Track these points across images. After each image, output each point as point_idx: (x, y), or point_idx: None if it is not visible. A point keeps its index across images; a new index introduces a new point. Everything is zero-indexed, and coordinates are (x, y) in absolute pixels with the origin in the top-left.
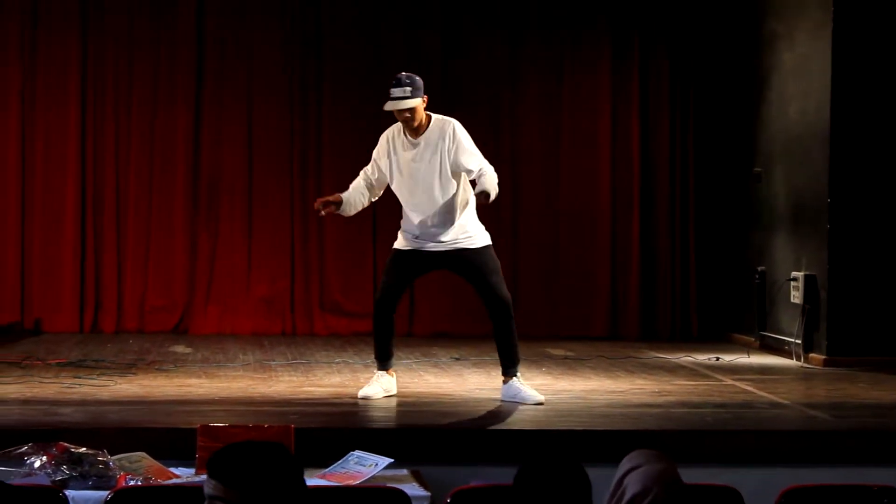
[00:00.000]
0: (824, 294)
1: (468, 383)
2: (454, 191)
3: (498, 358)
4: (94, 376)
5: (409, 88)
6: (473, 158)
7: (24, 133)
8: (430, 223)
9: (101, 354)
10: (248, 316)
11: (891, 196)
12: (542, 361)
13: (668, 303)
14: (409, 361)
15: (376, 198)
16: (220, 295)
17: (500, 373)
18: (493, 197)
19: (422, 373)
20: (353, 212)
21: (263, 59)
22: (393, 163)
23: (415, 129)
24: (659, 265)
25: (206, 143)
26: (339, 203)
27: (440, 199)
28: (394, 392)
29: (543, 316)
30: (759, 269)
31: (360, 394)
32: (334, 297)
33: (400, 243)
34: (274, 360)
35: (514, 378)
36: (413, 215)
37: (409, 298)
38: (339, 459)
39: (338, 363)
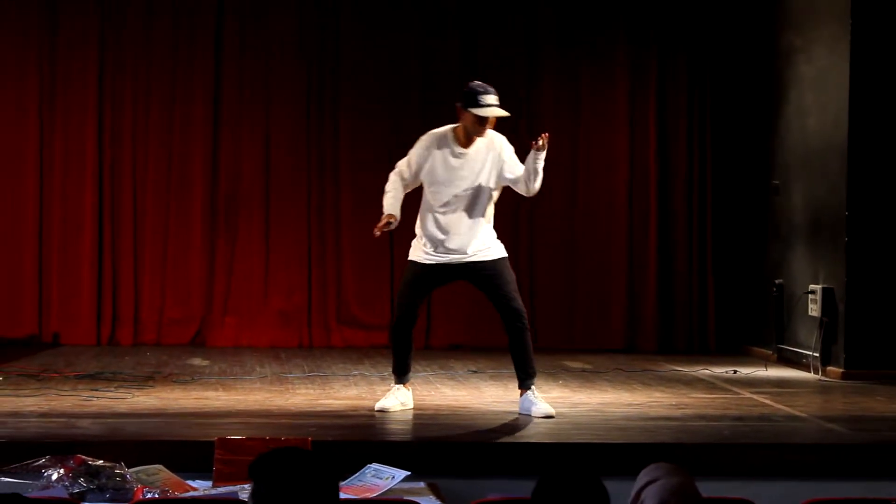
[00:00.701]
0: (842, 307)
1: (485, 396)
2: (486, 204)
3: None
4: (112, 389)
5: (497, 97)
6: (517, 161)
7: (43, 145)
8: (456, 232)
9: (119, 367)
10: (265, 328)
11: None
12: (559, 374)
13: (685, 315)
14: (426, 374)
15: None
16: (238, 307)
17: (517, 385)
18: (537, 183)
19: (438, 385)
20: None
21: (281, 71)
22: (437, 167)
23: (466, 139)
24: (676, 278)
25: (223, 156)
26: (394, 220)
27: (474, 210)
28: (410, 406)
29: (560, 328)
30: (777, 281)
31: (377, 406)
32: (351, 310)
33: (418, 255)
34: (291, 373)
35: (529, 391)
36: (442, 221)
37: (427, 311)
38: (355, 472)
39: (355, 375)
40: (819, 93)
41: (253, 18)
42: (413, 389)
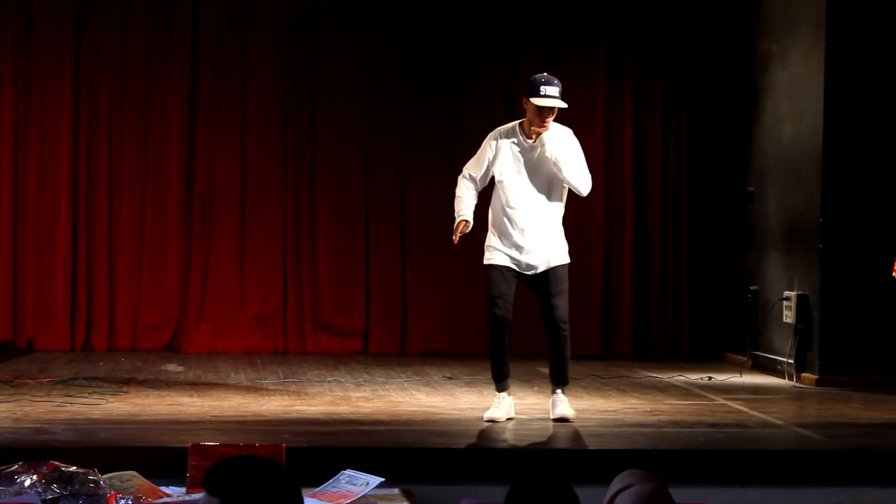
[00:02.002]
0: (817, 314)
1: (460, 402)
2: (559, 201)
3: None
4: (86, 395)
5: (560, 90)
6: (579, 155)
7: (17, 150)
8: (531, 232)
9: (93, 373)
10: (240, 334)
11: (883, 216)
12: (534, 380)
13: (660, 322)
14: (401, 380)
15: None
16: (213, 313)
17: (491, 391)
18: (562, 163)
19: (413, 392)
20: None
21: (257, 75)
22: (507, 162)
23: (530, 134)
24: (652, 284)
25: (199, 161)
26: (468, 225)
27: (547, 208)
28: (512, 415)
29: (536, 334)
30: (752, 288)
31: (486, 416)
32: (327, 316)
33: (499, 259)
34: (266, 379)
35: (554, 394)
36: (515, 219)
37: (402, 317)
38: (330, 479)
39: (329, 382)
40: (794, 99)
41: (230, 24)
42: (430, 396)
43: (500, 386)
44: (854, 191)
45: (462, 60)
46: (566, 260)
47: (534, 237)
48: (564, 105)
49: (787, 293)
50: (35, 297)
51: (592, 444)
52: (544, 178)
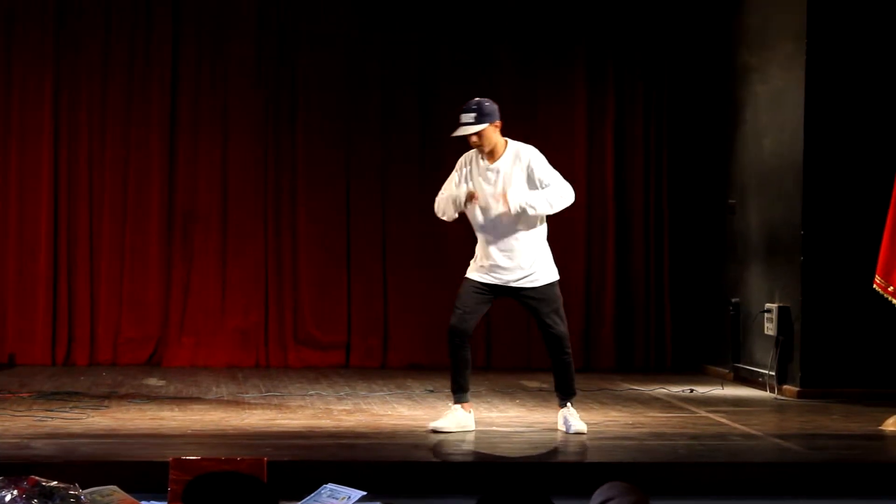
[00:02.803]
0: (798, 326)
1: (442, 416)
2: (529, 221)
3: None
4: (67, 409)
5: (473, 115)
6: (549, 175)
7: None
8: (501, 252)
9: (74, 387)
10: (221, 348)
11: (864, 228)
12: (515, 393)
13: (642, 334)
14: (382, 394)
15: (457, 214)
16: (194, 327)
17: (475, 405)
18: (519, 204)
19: (395, 405)
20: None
21: (238, 91)
22: (477, 187)
23: (490, 154)
24: (633, 297)
25: (180, 175)
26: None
27: (516, 227)
28: (471, 428)
29: (518, 348)
30: (734, 300)
31: (432, 425)
32: (308, 330)
33: (473, 273)
34: (247, 393)
35: (563, 408)
36: (487, 240)
37: (384, 330)
38: (311, 493)
39: (311, 396)
40: (775, 112)
41: (210, 40)
42: (412, 410)
43: (456, 398)
44: (835, 203)
45: (443, 76)
46: (552, 278)
47: (509, 256)
48: (472, 130)
49: (768, 305)
50: (16, 311)
51: (573, 457)
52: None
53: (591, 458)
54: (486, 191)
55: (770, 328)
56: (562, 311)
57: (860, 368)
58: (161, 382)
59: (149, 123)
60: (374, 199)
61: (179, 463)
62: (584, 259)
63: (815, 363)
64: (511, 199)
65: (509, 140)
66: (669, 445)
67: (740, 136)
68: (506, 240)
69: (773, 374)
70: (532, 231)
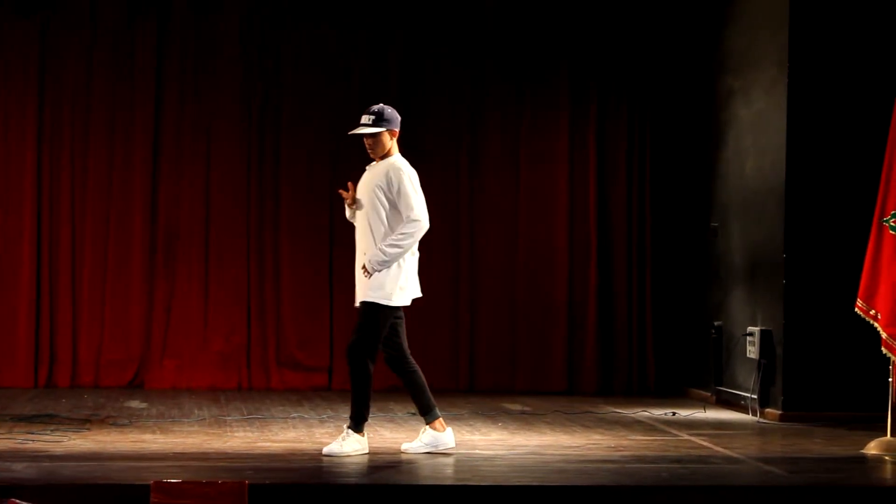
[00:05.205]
0: (780, 349)
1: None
2: (378, 230)
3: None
4: (48, 432)
5: (372, 117)
6: (405, 201)
7: None
8: (358, 261)
9: (56, 409)
10: (204, 370)
11: (845, 252)
12: (498, 416)
13: (625, 358)
14: None
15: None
16: (177, 349)
17: (458, 426)
18: (372, 268)
19: (377, 428)
20: (350, 217)
21: (221, 110)
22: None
23: (379, 160)
24: (616, 320)
25: (163, 197)
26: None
27: (365, 238)
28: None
29: (501, 371)
30: (716, 323)
31: (325, 451)
32: (291, 352)
33: None
34: (229, 416)
35: (345, 430)
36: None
37: None
38: None
39: (294, 418)
40: (757, 136)
41: (193, 59)
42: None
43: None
44: (817, 226)
45: (427, 95)
46: (375, 299)
47: (357, 270)
48: (365, 132)
49: (750, 328)
50: None
51: (555, 481)
52: (364, 207)
53: (574, 481)
54: (364, 193)
55: (752, 351)
56: (364, 332)
57: (842, 392)
58: (143, 405)
59: (132, 144)
60: None
61: (161, 486)
62: (566, 282)
63: (797, 386)
64: (368, 267)
65: (396, 155)
66: (652, 469)
67: (723, 158)
68: (359, 243)
69: (756, 397)
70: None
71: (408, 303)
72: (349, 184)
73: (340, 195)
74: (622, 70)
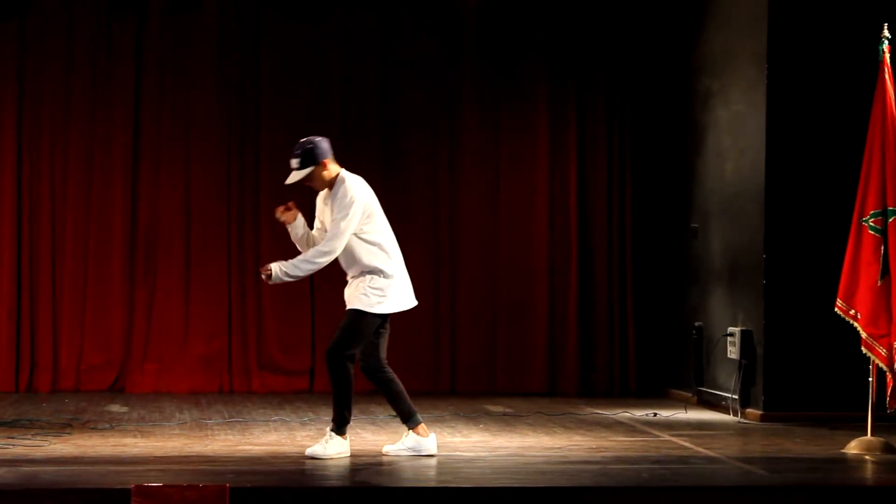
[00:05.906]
0: (761, 349)
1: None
2: (353, 251)
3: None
4: (29, 436)
5: (297, 160)
6: (335, 224)
7: None
8: (348, 275)
9: (36, 414)
10: (185, 374)
11: (825, 252)
12: (479, 418)
13: (606, 359)
14: None
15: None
16: (157, 353)
17: (439, 429)
18: (273, 276)
19: (359, 430)
20: (298, 240)
21: (201, 115)
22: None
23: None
24: (597, 321)
25: (142, 201)
26: (296, 218)
27: (345, 254)
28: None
29: (482, 373)
30: (697, 324)
31: (308, 452)
32: (272, 355)
33: None
34: (210, 419)
35: (328, 432)
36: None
37: None
38: None
39: (275, 421)
40: (736, 136)
41: (172, 63)
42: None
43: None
44: (796, 227)
45: (405, 100)
46: (360, 307)
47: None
48: (295, 178)
49: (731, 329)
50: None
51: (537, 482)
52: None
53: (555, 482)
54: (326, 221)
55: (733, 352)
56: (345, 335)
57: (823, 392)
58: (124, 409)
59: (111, 148)
60: None
61: (142, 490)
62: (546, 283)
63: (778, 386)
64: (272, 273)
65: (342, 172)
66: (633, 469)
67: (702, 160)
68: (344, 268)
69: (736, 397)
70: (352, 262)
71: (394, 311)
72: (290, 203)
73: (277, 218)
74: (601, 71)
